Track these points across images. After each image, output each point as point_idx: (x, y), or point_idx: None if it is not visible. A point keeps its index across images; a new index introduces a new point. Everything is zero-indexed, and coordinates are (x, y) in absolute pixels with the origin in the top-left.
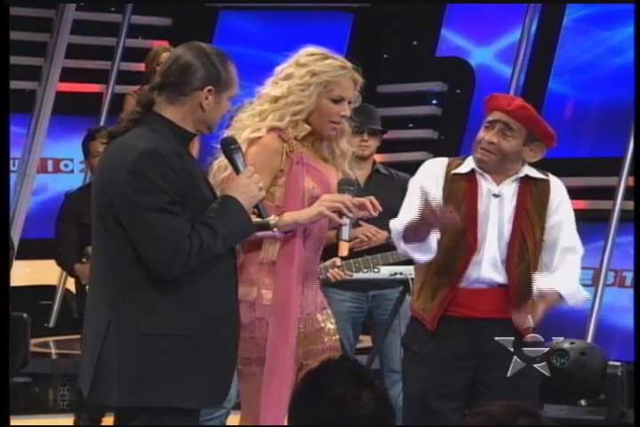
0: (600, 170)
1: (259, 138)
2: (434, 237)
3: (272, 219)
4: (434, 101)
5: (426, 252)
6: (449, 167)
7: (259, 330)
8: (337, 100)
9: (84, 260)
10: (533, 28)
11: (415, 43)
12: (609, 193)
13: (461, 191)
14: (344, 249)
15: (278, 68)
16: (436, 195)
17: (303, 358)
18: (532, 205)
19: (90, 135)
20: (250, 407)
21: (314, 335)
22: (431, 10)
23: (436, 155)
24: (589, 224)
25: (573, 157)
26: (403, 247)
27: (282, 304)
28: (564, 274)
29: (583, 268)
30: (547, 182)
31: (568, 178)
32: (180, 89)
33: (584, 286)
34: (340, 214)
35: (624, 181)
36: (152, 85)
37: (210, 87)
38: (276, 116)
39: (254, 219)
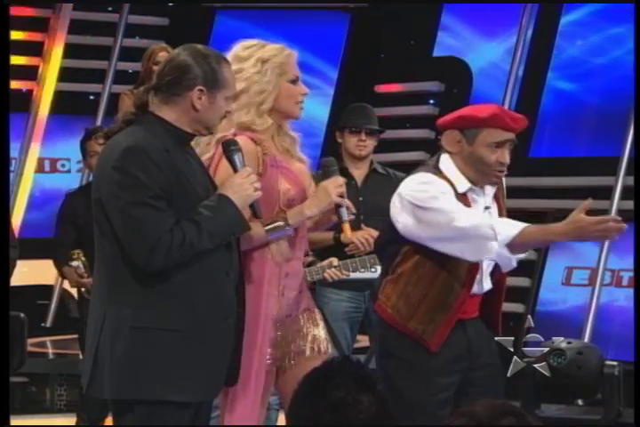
0: (598, 170)
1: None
2: None
3: (281, 220)
4: (431, 101)
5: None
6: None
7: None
8: (294, 81)
9: (70, 264)
10: (530, 28)
11: (412, 42)
12: (606, 193)
13: None
14: (348, 230)
15: None
16: None
17: (281, 359)
18: (502, 199)
19: (87, 135)
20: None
21: (293, 337)
22: (429, 10)
23: (433, 154)
24: None
25: (571, 156)
26: (506, 254)
27: (253, 308)
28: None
29: (581, 268)
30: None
31: (566, 178)
32: (172, 89)
33: (582, 285)
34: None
35: (621, 180)
36: (147, 87)
37: (200, 87)
38: (241, 112)
39: (267, 225)
